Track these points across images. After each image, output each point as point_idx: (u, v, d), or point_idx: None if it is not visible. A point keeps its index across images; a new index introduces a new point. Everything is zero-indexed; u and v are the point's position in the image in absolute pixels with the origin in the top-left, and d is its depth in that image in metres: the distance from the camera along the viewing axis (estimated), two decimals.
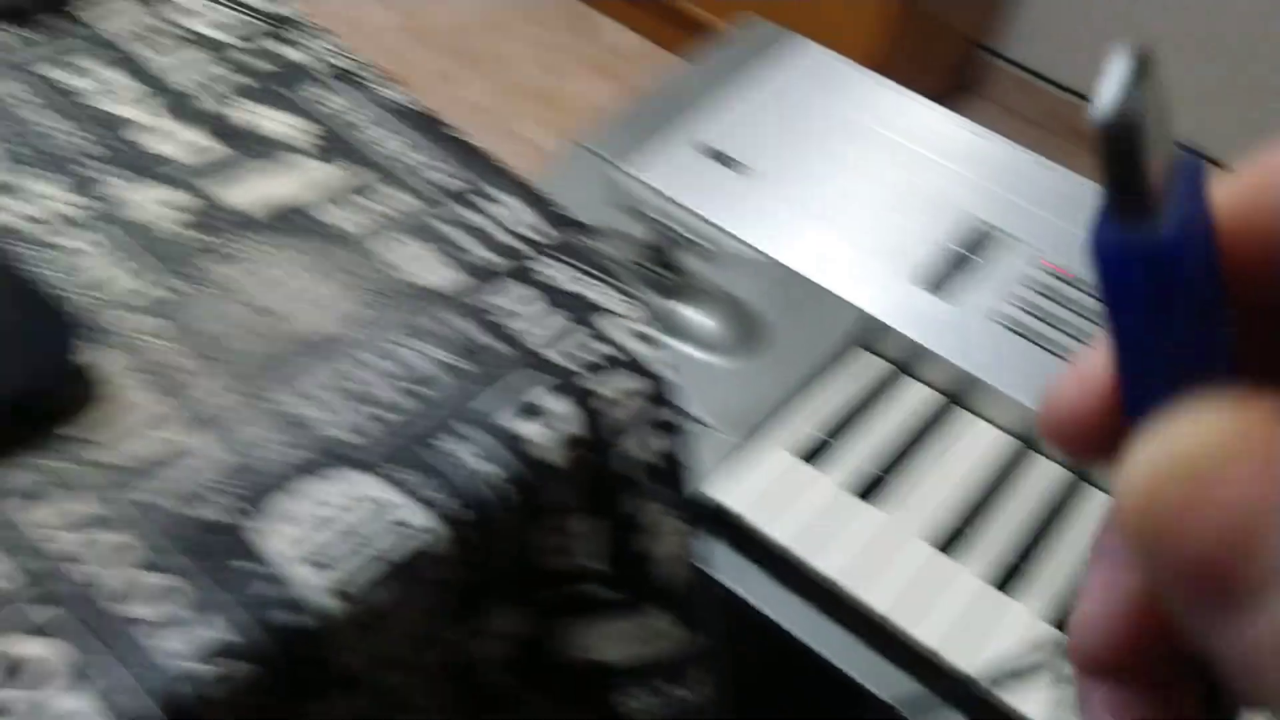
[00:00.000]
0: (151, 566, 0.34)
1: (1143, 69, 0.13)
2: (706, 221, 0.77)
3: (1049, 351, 0.73)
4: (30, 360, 0.36)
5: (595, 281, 0.47)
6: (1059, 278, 0.77)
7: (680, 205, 0.77)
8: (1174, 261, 0.13)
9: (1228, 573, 0.11)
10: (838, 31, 1.85)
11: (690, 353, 0.71)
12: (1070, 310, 0.76)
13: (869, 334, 0.74)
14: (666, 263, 0.72)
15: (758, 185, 0.79)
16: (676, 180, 0.78)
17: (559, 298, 0.46)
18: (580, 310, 0.46)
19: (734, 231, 0.76)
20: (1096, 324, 0.76)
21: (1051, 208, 0.82)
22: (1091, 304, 0.77)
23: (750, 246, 0.76)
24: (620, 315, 0.46)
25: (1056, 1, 2.01)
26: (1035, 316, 0.75)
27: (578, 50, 2.14)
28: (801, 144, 0.82)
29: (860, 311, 0.74)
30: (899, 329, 0.72)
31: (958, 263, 0.78)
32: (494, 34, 2.14)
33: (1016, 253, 0.78)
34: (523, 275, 0.46)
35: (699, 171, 0.79)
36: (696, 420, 0.69)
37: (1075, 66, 2.06)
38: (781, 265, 0.75)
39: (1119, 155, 0.13)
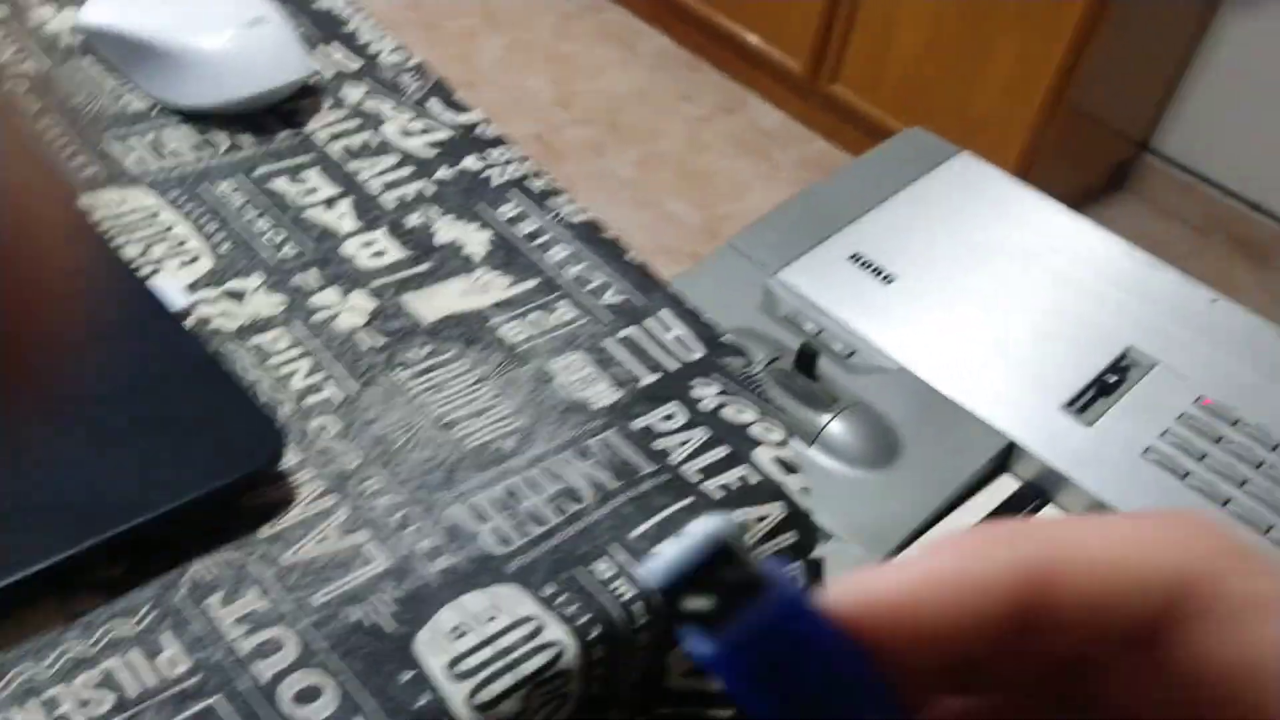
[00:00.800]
0: (306, 664, 0.36)
1: (715, 547, 0.15)
2: (852, 331, 0.77)
3: (1202, 494, 0.71)
4: (242, 458, 0.38)
5: (743, 406, 0.48)
6: (1220, 417, 0.75)
7: (827, 313, 0.78)
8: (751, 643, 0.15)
9: None
10: (993, 126, 1.84)
11: (827, 463, 0.71)
12: (1229, 453, 0.73)
13: (1010, 456, 0.73)
14: (809, 370, 0.72)
15: (908, 298, 0.79)
16: (825, 287, 0.79)
17: (707, 420, 0.47)
18: (725, 434, 0.47)
19: (878, 343, 0.76)
20: (1257, 469, 0.73)
21: (1216, 343, 0.79)
22: (1257, 448, 0.74)
23: (893, 360, 0.76)
24: (764, 441, 0.47)
25: (1219, 101, 1.95)
26: (1191, 456, 0.73)
27: (726, 127, 2.17)
28: (955, 258, 0.82)
29: (1002, 434, 0.73)
30: (1042, 456, 0.71)
31: (1110, 392, 0.76)
32: (646, 109, 2.19)
33: (1175, 388, 0.76)
34: (675, 396, 0.48)
35: (848, 280, 0.80)
36: (828, 533, 0.68)
37: (1236, 169, 1.99)
38: (924, 381, 0.74)
39: (671, 606, 0.15)
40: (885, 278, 0.80)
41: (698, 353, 0.50)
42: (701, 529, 0.15)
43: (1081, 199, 2.04)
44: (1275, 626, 0.15)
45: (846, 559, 0.67)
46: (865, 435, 0.70)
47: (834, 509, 0.68)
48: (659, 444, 0.46)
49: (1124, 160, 2.09)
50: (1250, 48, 1.88)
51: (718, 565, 0.15)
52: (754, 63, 2.19)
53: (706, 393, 0.48)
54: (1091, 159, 2.03)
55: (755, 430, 0.47)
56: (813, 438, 0.71)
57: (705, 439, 0.46)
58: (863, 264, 0.81)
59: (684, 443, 0.46)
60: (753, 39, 2.15)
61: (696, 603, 0.15)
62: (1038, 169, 1.84)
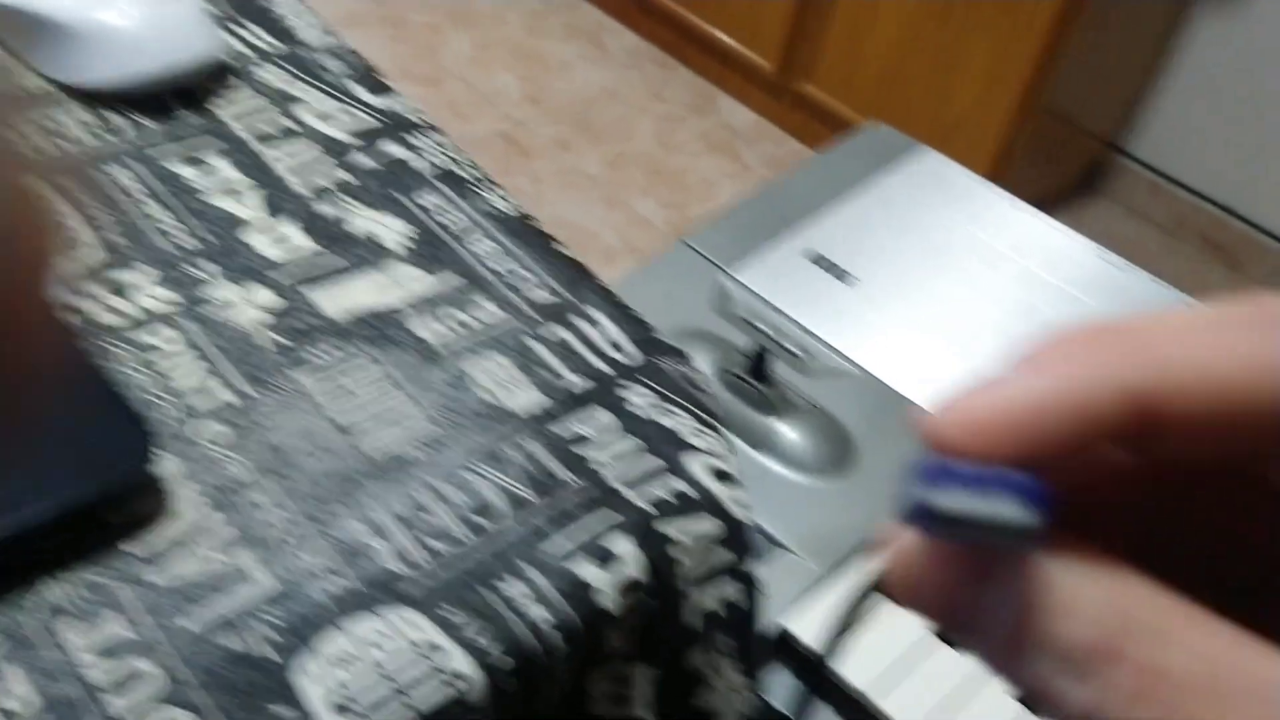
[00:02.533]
0: (172, 700, 0.32)
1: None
2: (808, 332, 0.74)
3: None
4: (106, 467, 0.35)
5: (679, 411, 0.45)
6: None
7: (782, 313, 0.74)
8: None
9: (952, 621, 0.16)
10: (966, 125, 1.81)
11: (779, 470, 0.67)
12: None
13: None
14: (762, 373, 0.69)
15: (866, 298, 0.76)
16: (781, 287, 0.75)
17: (639, 427, 0.43)
18: (658, 442, 0.43)
19: (835, 344, 0.73)
20: None
21: None
22: None
23: (852, 363, 0.73)
24: (700, 450, 0.44)
25: (1192, 105, 1.94)
26: None
27: (697, 126, 2.14)
28: (917, 258, 0.79)
29: None
30: None
31: None
32: (616, 106, 2.16)
33: None
34: (605, 401, 0.44)
35: (806, 280, 0.76)
36: (778, 544, 0.65)
37: (1207, 171, 1.97)
38: (883, 385, 0.71)
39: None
40: (844, 278, 0.77)
41: (631, 354, 0.47)
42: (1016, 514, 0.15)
43: (1054, 199, 2.02)
44: None
45: (797, 573, 0.63)
46: (819, 441, 0.67)
47: (785, 519, 0.65)
48: (585, 453, 0.42)
49: (1096, 161, 2.08)
50: (1221, 51, 1.87)
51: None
52: (725, 61, 2.16)
53: (639, 398, 0.45)
54: (1064, 160, 2.01)
55: (691, 439, 0.44)
56: (764, 444, 0.68)
57: (636, 448, 0.43)
58: (821, 263, 0.77)
59: (612, 452, 0.43)
60: (724, 37, 2.12)
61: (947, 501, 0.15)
62: (1011, 169, 1.82)
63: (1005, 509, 0.15)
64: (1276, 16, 1.78)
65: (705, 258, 0.77)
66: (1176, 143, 2.00)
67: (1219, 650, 0.14)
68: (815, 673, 0.61)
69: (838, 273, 0.77)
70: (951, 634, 0.16)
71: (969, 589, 0.15)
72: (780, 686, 0.63)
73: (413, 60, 2.13)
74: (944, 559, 0.16)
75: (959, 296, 0.77)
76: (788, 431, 0.68)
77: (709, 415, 0.45)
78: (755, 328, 0.74)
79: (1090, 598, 0.15)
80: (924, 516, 0.15)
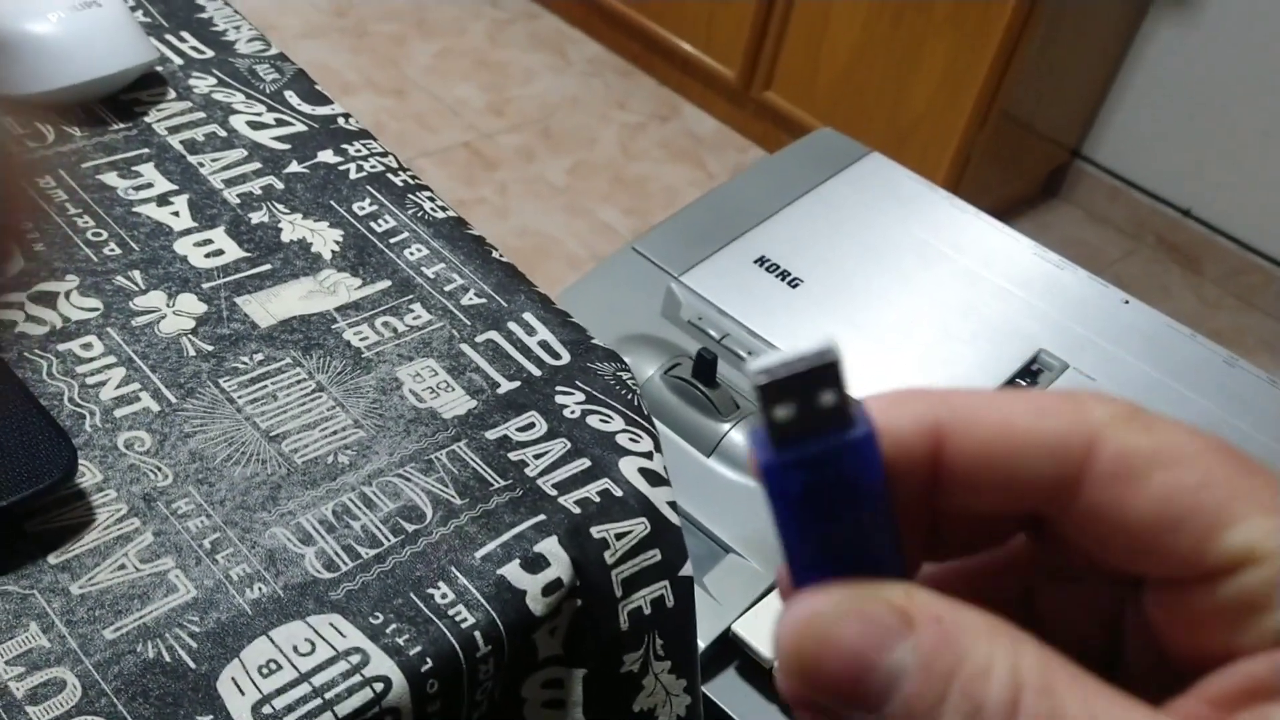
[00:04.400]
0: (89, 709, 0.32)
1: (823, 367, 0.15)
2: (755, 335, 0.74)
3: None
4: (27, 478, 0.34)
5: (609, 413, 0.45)
6: None
7: (730, 317, 0.75)
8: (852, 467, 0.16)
9: (856, 694, 0.16)
10: (925, 131, 1.83)
11: (728, 474, 0.68)
12: None
13: None
14: (710, 377, 0.69)
15: (812, 301, 0.77)
16: (729, 291, 0.76)
17: (569, 429, 0.43)
18: (588, 444, 0.43)
19: (783, 347, 0.73)
20: None
21: (1128, 347, 0.77)
22: None
23: None
24: (630, 451, 0.44)
25: (1149, 109, 1.96)
26: None
27: (660, 134, 2.15)
28: (864, 262, 0.80)
29: None
30: None
31: None
32: (579, 115, 2.16)
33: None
34: (535, 404, 0.44)
35: (753, 284, 0.77)
36: (728, 548, 0.65)
37: (1167, 175, 2.00)
38: None
39: (762, 405, 0.16)
40: (791, 281, 0.77)
41: (564, 357, 0.47)
42: (819, 345, 0.16)
43: (1017, 206, 2.04)
44: (1173, 475, 0.16)
45: (747, 577, 0.63)
46: None
47: (735, 523, 0.65)
48: (515, 456, 0.42)
49: (1057, 167, 2.10)
50: (1177, 55, 1.89)
51: (816, 384, 0.15)
52: (688, 70, 2.17)
53: (570, 400, 0.45)
54: (1025, 166, 2.03)
55: (621, 440, 0.44)
56: (711, 447, 0.68)
57: (565, 450, 0.43)
58: (768, 267, 0.78)
59: (541, 454, 0.43)
60: (686, 46, 2.13)
61: (782, 412, 0.15)
62: (971, 175, 1.83)
63: (816, 354, 0.15)
64: (1230, 20, 1.81)
65: (653, 263, 0.77)
66: (1135, 147, 2.02)
67: (1107, 707, 0.15)
68: (765, 677, 0.61)
69: (785, 276, 0.77)
70: (856, 710, 0.16)
71: (872, 655, 0.16)
72: (730, 691, 0.63)
73: (375, 71, 2.12)
74: (848, 626, 0.16)
75: (904, 297, 0.78)
76: (735, 434, 0.68)
77: (640, 417, 0.46)
78: (703, 332, 0.74)
79: (993, 656, 0.15)
80: (759, 440, 0.16)
